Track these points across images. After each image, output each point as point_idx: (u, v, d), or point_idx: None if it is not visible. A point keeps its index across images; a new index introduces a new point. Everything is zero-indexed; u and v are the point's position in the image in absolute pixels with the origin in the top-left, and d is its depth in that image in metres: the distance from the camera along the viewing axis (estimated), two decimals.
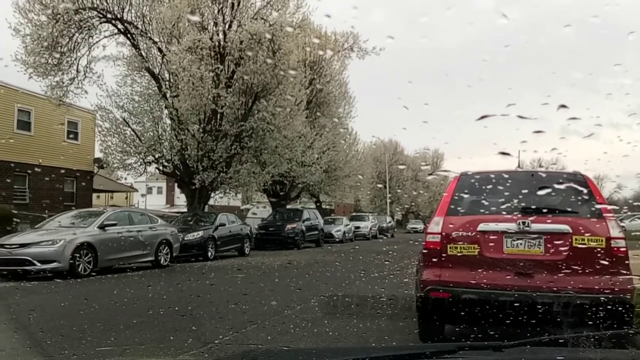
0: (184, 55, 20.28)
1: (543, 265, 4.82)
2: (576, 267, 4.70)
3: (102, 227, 13.44)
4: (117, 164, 23.70)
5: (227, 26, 21.99)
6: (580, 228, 4.81)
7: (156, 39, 22.02)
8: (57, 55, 20.77)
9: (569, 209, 5.05)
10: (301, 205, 37.38)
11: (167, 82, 22.45)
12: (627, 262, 4.80)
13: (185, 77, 20.28)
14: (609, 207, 5.05)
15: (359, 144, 40.00)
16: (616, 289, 4.60)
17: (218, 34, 21.83)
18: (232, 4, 22.03)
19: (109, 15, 21.42)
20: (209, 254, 18.15)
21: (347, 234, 31.99)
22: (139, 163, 23.21)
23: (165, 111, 22.66)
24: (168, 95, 22.03)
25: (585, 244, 4.77)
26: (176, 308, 7.75)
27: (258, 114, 22.52)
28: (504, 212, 4.99)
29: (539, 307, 4.54)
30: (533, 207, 4.94)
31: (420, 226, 45.91)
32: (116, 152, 22.87)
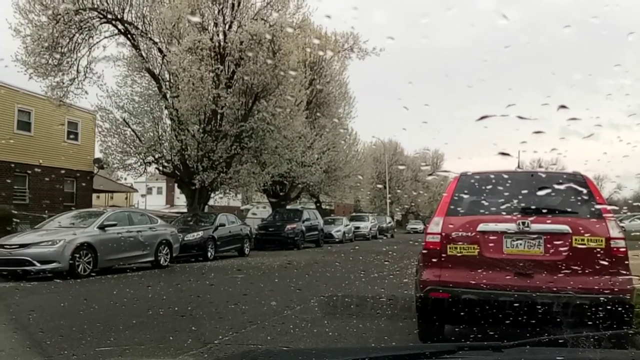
0: (184, 56, 20.29)
1: (543, 266, 4.82)
2: (576, 268, 4.70)
3: (102, 227, 13.44)
4: (117, 165, 23.71)
5: (227, 27, 22.01)
6: (580, 228, 4.81)
7: (156, 40, 22.03)
8: (58, 56, 20.78)
9: (569, 210, 5.06)
10: (301, 206, 37.38)
11: (167, 83, 22.45)
12: (626, 262, 4.80)
13: (185, 77, 20.28)
14: (609, 207, 5.05)
15: (359, 145, 40.09)
16: (616, 289, 4.60)
17: (218, 35, 21.85)
18: (232, 4, 22.04)
19: (109, 16, 21.43)
20: (209, 254, 18.15)
21: (347, 235, 31.99)
22: (139, 163, 23.23)
23: (166, 111, 22.67)
24: (168, 95, 22.03)
25: (585, 244, 4.77)
26: (176, 308, 7.75)
27: (258, 114, 22.53)
28: (504, 213, 4.99)
29: (539, 307, 4.55)
30: (533, 207, 4.95)
31: (420, 226, 45.94)
32: (116, 153, 22.88)
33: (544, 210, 4.91)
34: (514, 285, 4.75)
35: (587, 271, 4.70)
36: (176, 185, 28.20)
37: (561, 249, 4.79)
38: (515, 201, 4.99)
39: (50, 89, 21.27)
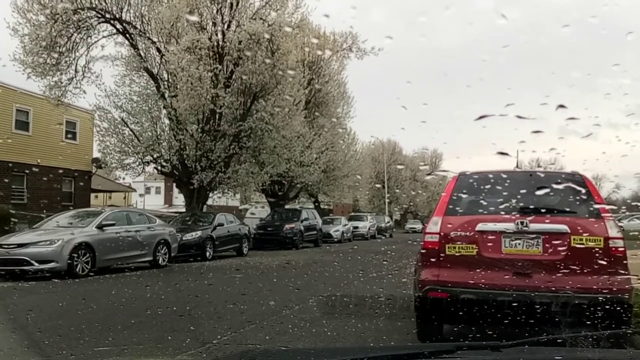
0: (183, 55, 20.27)
1: (541, 265, 4.83)
2: (574, 267, 4.70)
3: (100, 227, 13.42)
4: (115, 164, 23.70)
5: (225, 26, 22.00)
6: (579, 228, 4.81)
7: (155, 39, 22.02)
8: (56, 55, 20.74)
9: (568, 209, 5.06)
10: (299, 205, 37.38)
11: (165, 82, 22.44)
12: (625, 262, 4.80)
13: (183, 77, 20.26)
14: (607, 207, 5.05)
15: (358, 144, 40.11)
16: (614, 289, 4.60)
17: (217, 34, 21.84)
18: (231, 4, 22.03)
19: (107, 15, 21.40)
20: (207, 254, 18.13)
21: (345, 234, 32.00)
22: (137, 163, 23.22)
23: (164, 111, 22.65)
24: (166, 95, 22.02)
25: (583, 243, 4.77)
26: (174, 308, 7.74)
27: (257, 114, 22.53)
28: (503, 212, 5.00)
29: (537, 307, 4.55)
30: (531, 207, 4.95)
31: (418, 226, 45.94)
32: (114, 152, 22.87)
33: (543, 210, 4.91)
34: (513, 285, 4.75)
35: (585, 271, 4.70)
36: (174, 184, 28.20)
37: (560, 248, 4.79)
38: (513, 201, 4.99)
39: (48, 88, 21.25)
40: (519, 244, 4.92)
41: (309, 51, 26.54)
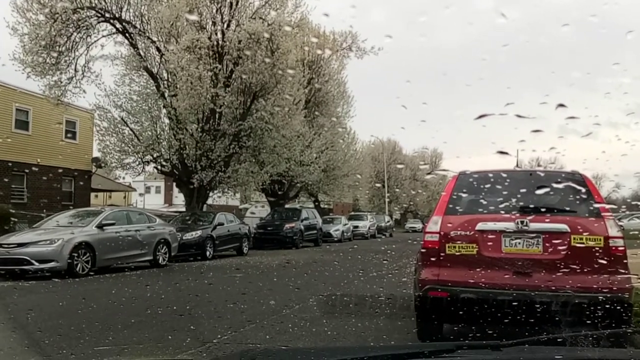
0: (182, 55, 20.26)
1: (541, 265, 4.82)
2: (574, 266, 4.70)
3: (100, 226, 13.42)
4: (115, 164, 23.70)
5: (225, 25, 21.99)
6: (579, 227, 4.81)
7: (154, 39, 22.01)
8: (55, 55, 20.74)
9: (568, 208, 5.06)
10: (300, 205, 37.36)
11: (165, 82, 22.43)
12: (625, 261, 4.80)
13: (183, 76, 20.26)
14: (607, 206, 5.05)
15: (358, 144, 40.08)
16: (614, 288, 4.60)
17: (216, 34, 21.83)
18: (231, 3, 22.03)
19: (107, 15, 21.40)
20: (208, 253, 18.13)
21: (345, 234, 32.00)
22: (137, 162, 23.21)
23: (164, 110, 22.65)
24: (166, 94, 22.02)
25: (583, 243, 4.77)
26: (174, 307, 7.74)
27: (256, 113, 22.53)
28: (503, 212, 4.99)
29: (538, 306, 4.55)
30: (531, 206, 4.95)
31: (418, 225, 45.93)
32: (114, 152, 22.86)
33: (543, 209, 4.91)
34: (513, 284, 4.75)
35: (585, 270, 4.70)
36: (174, 184, 28.21)
37: (560, 248, 4.79)
38: (513, 200, 4.99)
39: (48, 87, 21.24)
40: (519, 243, 4.92)
41: (309, 50, 26.55)
